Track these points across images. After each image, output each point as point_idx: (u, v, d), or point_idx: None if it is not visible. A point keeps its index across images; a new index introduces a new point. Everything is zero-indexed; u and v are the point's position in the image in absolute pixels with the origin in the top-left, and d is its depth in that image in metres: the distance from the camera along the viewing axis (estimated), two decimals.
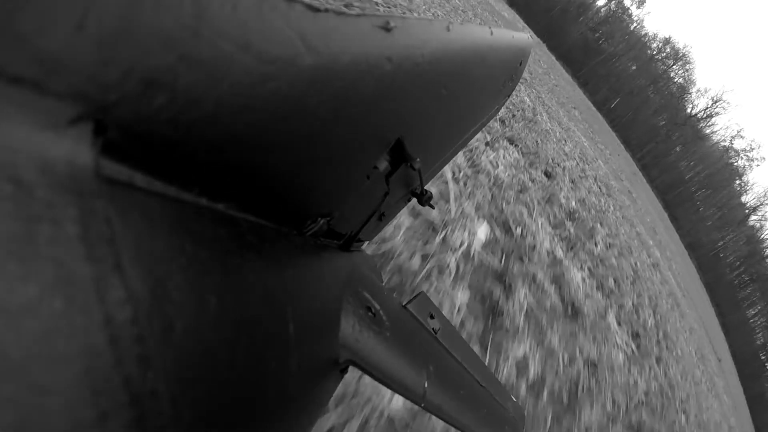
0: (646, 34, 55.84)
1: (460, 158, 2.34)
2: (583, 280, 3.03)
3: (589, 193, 5.90)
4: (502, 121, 3.72)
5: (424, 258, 1.61)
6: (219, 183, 0.20)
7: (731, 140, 55.95)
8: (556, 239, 3.06)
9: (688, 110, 56.78)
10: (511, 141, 3.54)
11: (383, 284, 0.53)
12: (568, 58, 48.05)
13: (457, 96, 0.39)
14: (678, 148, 55.41)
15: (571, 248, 3.28)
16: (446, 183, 1.99)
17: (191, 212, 0.19)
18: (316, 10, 0.19)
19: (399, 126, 0.33)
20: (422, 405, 0.38)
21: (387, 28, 0.24)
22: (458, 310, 1.60)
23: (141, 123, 0.15)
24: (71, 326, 0.12)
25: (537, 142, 4.57)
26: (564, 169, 5.18)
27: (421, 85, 0.31)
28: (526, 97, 6.29)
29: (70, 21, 0.12)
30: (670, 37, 56.07)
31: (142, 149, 0.16)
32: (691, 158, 55.75)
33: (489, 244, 2.03)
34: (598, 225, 4.83)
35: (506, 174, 2.90)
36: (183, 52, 0.15)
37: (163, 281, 0.16)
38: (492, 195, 2.40)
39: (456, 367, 0.49)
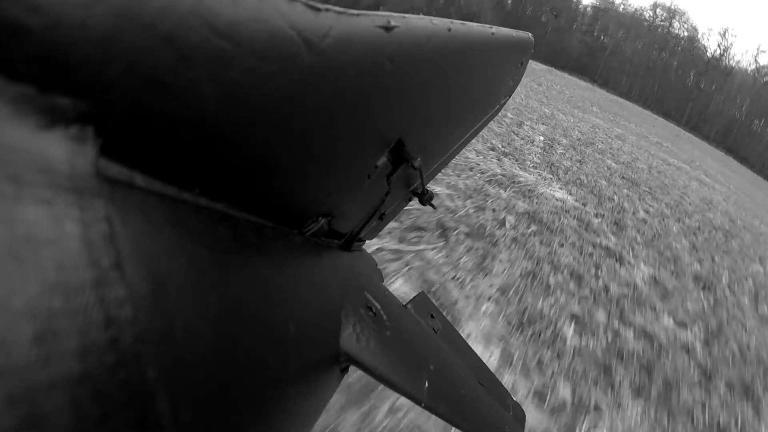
0: (634, 10, 55.22)
1: (533, 116, 7.10)
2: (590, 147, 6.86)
3: (595, 132, 8.72)
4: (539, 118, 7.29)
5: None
6: (219, 183, 0.20)
7: (755, 59, 53.65)
8: (570, 142, 6.63)
9: (707, 55, 55.12)
10: (542, 123, 7.16)
11: (383, 284, 0.53)
12: (580, 67, 48.07)
13: (457, 96, 0.39)
14: (716, 97, 53.44)
15: (578, 141, 6.97)
16: (525, 124, 5.94)
17: (191, 212, 0.19)
18: (317, 9, 0.19)
19: (400, 126, 0.33)
20: (422, 405, 0.38)
21: (388, 28, 0.24)
22: (540, 141, 5.42)
23: (141, 123, 0.15)
24: (71, 326, 0.12)
25: (556, 123, 7.71)
26: (575, 128, 8.14)
27: (422, 84, 0.31)
28: (545, 109, 8.67)
29: (70, 20, 0.12)
30: (656, 2, 55.21)
31: (142, 149, 0.16)
32: (729, 97, 53.54)
33: (546, 139, 5.64)
34: (599, 142, 7.90)
35: (545, 128, 6.56)
36: (183, 51, 0.15)
37: (163, 281, 0.16)
38: (543, 130, 6.19)
39: (457, 367, 0.49)
